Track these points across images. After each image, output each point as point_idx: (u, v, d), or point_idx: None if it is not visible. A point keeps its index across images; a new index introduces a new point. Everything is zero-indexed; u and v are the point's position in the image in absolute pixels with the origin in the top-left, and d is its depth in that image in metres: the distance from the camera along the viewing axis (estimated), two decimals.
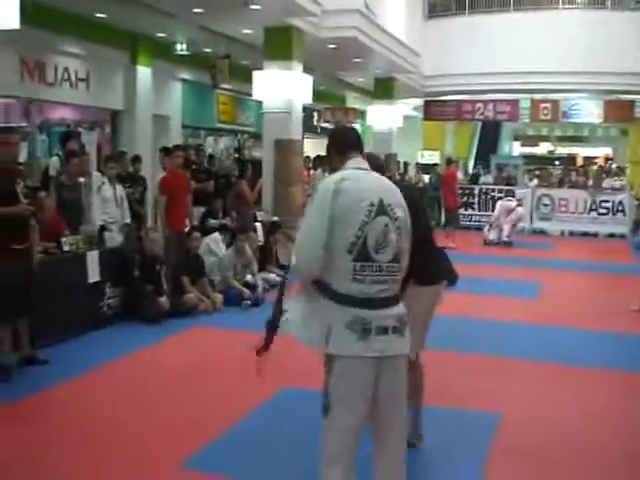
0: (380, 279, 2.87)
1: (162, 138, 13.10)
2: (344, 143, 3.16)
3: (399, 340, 2.93)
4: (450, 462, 4.34)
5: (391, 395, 2.94)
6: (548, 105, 19.89)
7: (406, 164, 19.84)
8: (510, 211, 15.56)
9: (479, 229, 17.22)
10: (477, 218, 18.47)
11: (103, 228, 8.13)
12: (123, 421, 4.85)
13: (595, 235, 17.66)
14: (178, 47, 12.97)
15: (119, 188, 8.68)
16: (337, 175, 3.02)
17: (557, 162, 33.04)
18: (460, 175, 19.53)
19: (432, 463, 4.32)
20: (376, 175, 3.09)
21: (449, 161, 17.08)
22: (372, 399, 2.90)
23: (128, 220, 8.69)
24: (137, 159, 10.44)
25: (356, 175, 2.99)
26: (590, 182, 18.82)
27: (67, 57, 11.37)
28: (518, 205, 15.98)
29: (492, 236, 15.55)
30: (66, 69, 11.41)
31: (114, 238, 8.27)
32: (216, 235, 9.51)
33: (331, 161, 3.20)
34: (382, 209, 2.90)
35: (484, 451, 4.46)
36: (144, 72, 12.61)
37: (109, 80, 12.30)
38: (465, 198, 18.64)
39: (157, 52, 12.84)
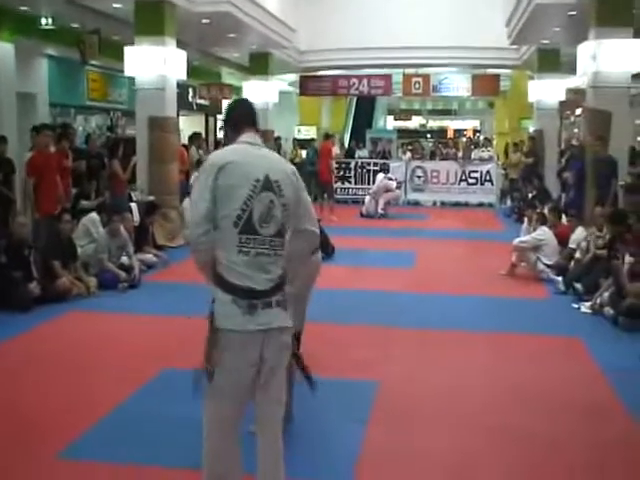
0: (264, 252, 2.96)
1: (28, 117, 12.52)
2: (237, 118, 3.20)
3: (283, 313, 3.02)
4: (330, 429, 4.48)
5: (274, 367, 3.01)
6: (419, 79, 20.46)
7: (278, 139, 19.87)
8: (388, 190, 15.96)
9: (356, 202, 17.58)
10: (354, 191, 18.85)
11: None
12: None
13: (465, 204, 18.42)
14: (43, 21, 12.37)
15: None
16: (226, 149, 3.10)
17: (429, 135, 34.10)
18: (337, 150, 19.80)
19: (312, 431, 4.43)
20: (266, 151, 3.13)
21: (327, 135, 17.30)
22: (256, 371, 2.97)
23: None
24: (2, 140, 9.93)
25: (245, 150, 3.05)
26: (460, 154, 19.53)
27: None
28: (397, 187, 16.42)
29: (369, 209, 15.89)
30: None
31: None
32: (93, 215, 9.16)
33: (226, 136, 3.24)
34: (268, 185, 2.97)
35: (363, 417, 4.62)
36: (6, 48, 11.95)
37: None
38: (342, 172, 18.96)
39: (20, 27, 12.18)
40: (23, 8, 11.84)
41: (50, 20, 12.36)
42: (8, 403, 4.88)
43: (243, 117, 3.18)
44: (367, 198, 16.20)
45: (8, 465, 3.95)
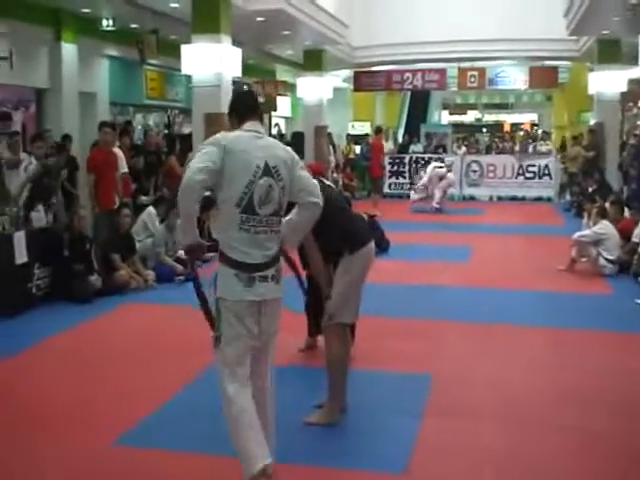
0: (262, 229, 3.36)
1: (89, 116, 12.81)
2: (242, 107, 3.59)
3: (276, 286, 3.43)
4: (384, 421, 4.47)
5: (268, 332, 3.45)
6: (475, 73, 20.15)
7: (330, 135, 19.76)
8: (441, 178, 15.73)
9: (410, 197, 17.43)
10: (408, 186, 18.68)
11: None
12: (55, 401, 4.81)
13: (523, 199, 18.11)
14: (104, 23, 12.65)
15: None
16: (233, 134, 3.45)
17: (485, 129, 33.67)
18: (390, 145, 19.67)
19: (366, 423, 4.46)
20: (266, 140, 3.50)
21: (378, 130, 17.25)
22: (257, 333, 3.39)
23: (55, 200, 8.50)
24: (67, 138, 10.20)
25: (248, 139, 3.42)
26: (517, 147, 19.21)
27: None
28: (448, 171, 16.16)
29: (417, 196, 15.76)
30: None
31: (41, 218, 8.09)
32: (150, 210, 9.36)
33: (232, 124, 3.58)
34: (267, 171, 3.36)
35: (418, 410, 4.60)
36: (69, 49, 12.27)
37: (33, 58, 11.91)
38: (395, 167, 18.85)
39: (82, 28, 12.50)
40: (85, 10, 12.14)
41: (111, 21, 12.63)
42: (68, 391, 5.01)
43: (247, 106, 3.58)
44: (412, 193, 16.06)
45: (68, 451, 4.05)
